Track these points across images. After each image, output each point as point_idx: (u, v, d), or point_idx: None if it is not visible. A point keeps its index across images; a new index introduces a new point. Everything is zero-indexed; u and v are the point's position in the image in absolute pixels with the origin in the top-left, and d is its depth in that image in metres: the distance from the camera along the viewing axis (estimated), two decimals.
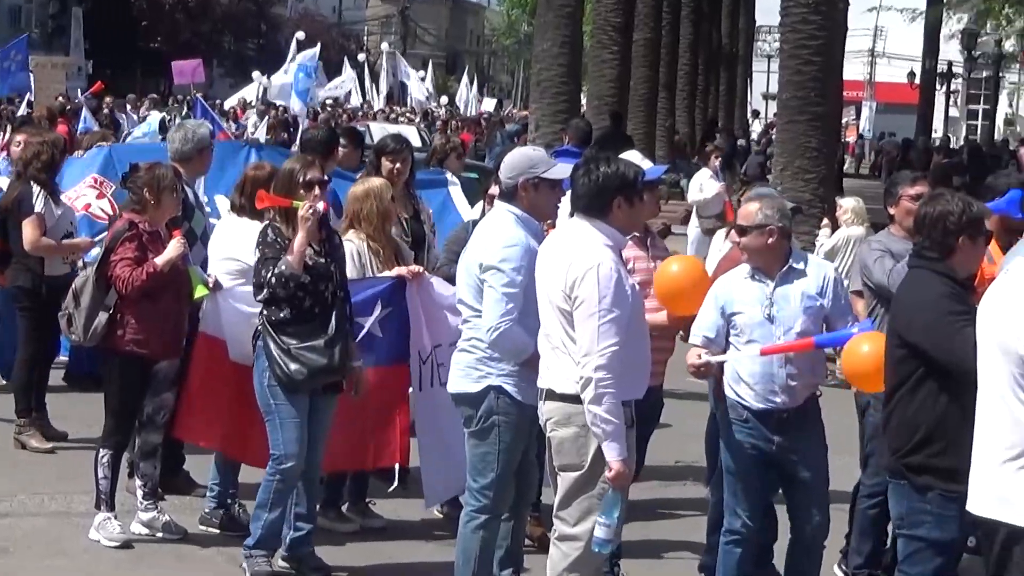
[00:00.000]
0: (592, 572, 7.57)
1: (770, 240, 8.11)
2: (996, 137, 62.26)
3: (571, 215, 7.73)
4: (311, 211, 8.71)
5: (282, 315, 8.80)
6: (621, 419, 7.27)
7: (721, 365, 8.20)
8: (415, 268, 9.75)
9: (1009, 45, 53.20)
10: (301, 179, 8.90)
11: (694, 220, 21.87)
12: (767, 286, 8.14)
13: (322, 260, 8.86)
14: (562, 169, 8.14)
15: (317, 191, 8.87)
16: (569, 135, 16.97)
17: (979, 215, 7.33)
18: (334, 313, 8.85)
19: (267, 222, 8.97)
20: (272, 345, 8.80)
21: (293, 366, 8.75)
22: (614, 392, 7.21)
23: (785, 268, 8.16)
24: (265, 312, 8.88)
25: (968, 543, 9.47)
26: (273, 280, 8.70)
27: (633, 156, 8.58)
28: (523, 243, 7.96)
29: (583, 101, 32.20)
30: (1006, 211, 9.08)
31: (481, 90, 73.59)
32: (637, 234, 8.77)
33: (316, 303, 8.83)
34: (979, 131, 68.26)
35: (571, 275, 7.32)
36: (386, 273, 9.65)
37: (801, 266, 8.22)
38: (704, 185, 21.75)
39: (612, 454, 7.26)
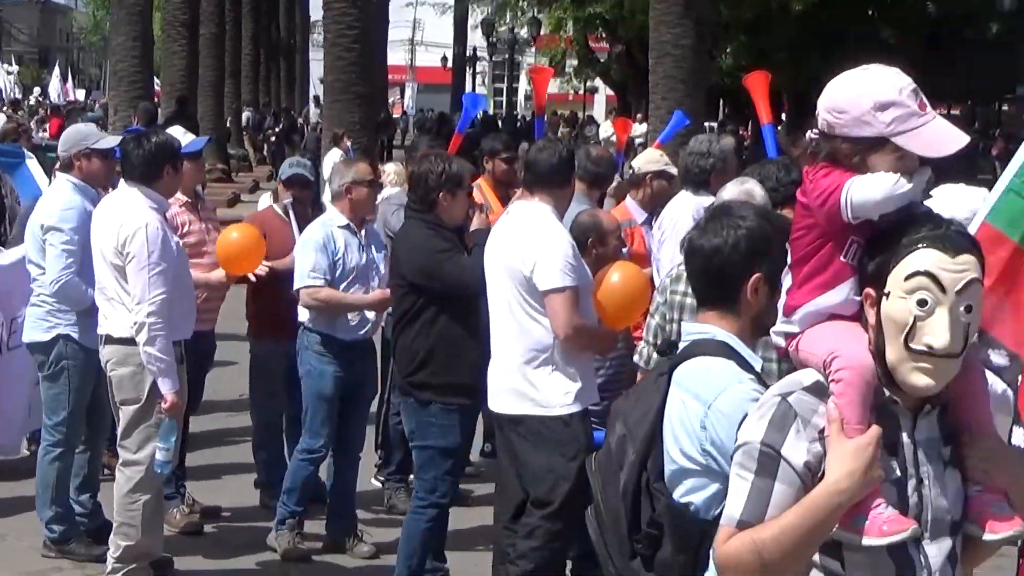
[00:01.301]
0: (154, 491, 7.50)
1: (376, 195, 8.48)
2: (517, 111, 63.83)
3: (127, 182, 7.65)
4: None
5: None
6: (172, 356, 7.25)
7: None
8: None
9: (524, 32, 54.44)
10: None
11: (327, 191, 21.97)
12: (359, 236, 8.22)
13: None
14: (109, 140, 8.12)
15: None
16: (137, 116, 16.82)
17: (457, 173, 7.49)
18: None
19: None
20: None
21: None
22: (164, 334, 7.19)
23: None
24: None
25: (485, 448, 9.82)
26: None
27: (176, 131, 8.52)
28: (79, 207, 7.87)
29: (157, 88, 31.69)
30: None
31: (70, 81, 71.25)
32: (189, 200, 8.74)
33: None
34: (504, 106, 69.84)
35: (122, 234, 7.24)
36: None
37: None
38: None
39: (166, 387, 7.24)
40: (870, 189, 3.05)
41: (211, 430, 10.65)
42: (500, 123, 43.65)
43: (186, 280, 7.58)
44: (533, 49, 61.96)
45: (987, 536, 3.09)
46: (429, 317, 7.31)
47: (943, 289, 2.96)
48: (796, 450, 3.04)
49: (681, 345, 4.01)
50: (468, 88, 66.98)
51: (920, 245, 2.98)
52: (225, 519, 9.07)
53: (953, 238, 3.00)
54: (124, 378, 7.39)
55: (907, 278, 2.97)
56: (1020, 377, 4.10)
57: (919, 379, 2.99)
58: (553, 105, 70.38)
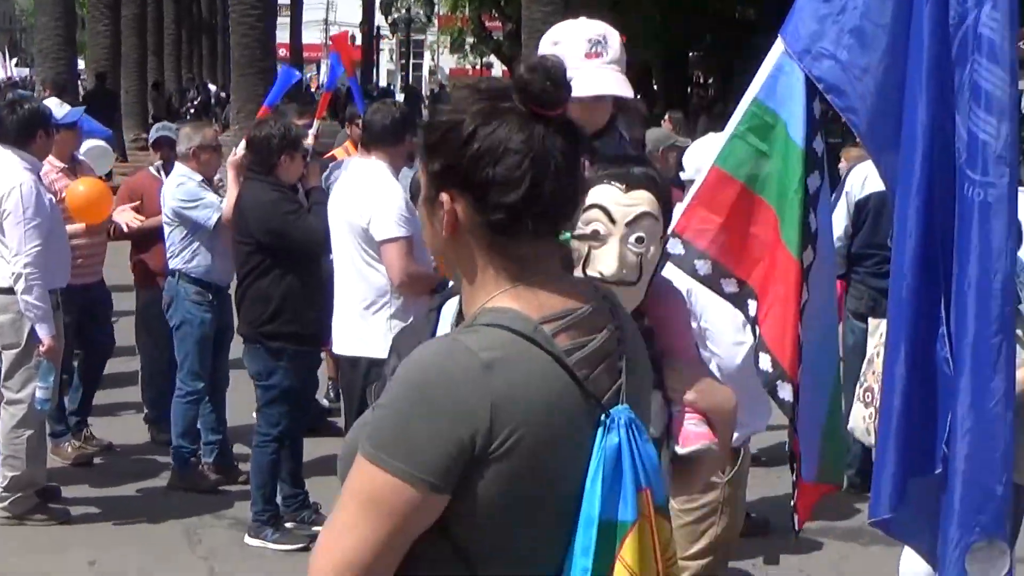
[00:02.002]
0: (37, 426, 7.48)
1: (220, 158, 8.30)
2: (424, 84, 63.69)
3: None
4: None
5: None
6: (48, 304, 7.20)
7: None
8: None
9: (423, 14, 54.27)
10: None
11: None
12: (218, 196, 8.12)
13: None
14: None
15: None
16: (48, 88, 16.75)
17: (296, 136, 7.44)
18: None
19: None
20: None
21: None
22: (41, 283, 7.14)
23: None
24: None
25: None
26: None
27: (52, 103, 8.45)
28: None
29: (82, 65, 31.30)
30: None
31: (10, 60, 70.20)
32: (67, 166, 8.66)
33: None
34: (410, 80, 69.60)
35: None
36: None
37: None
38: None
39: (43, 332, 7.20)
40: None
41: (109, 373, 10.51)
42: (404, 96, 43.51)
43: (60, 234, 7.52)
44: (435, 27, 61.82)
45: (679, 449, 3.00)
46: (278, 273, 7.22)
47: (613, 220, 2.95)
48: None
49: (451, 284, 4.04)
50: (382, 65, 66.73)
51: (599, 182, 2.97)
52: (116, 453, 9.00)
53: (629, 176, 2.98)
54: (4, 325, 7.35)
55: (584, 210, 2.93)
56: (755, 303, 4.15)
57: None
58: (454, 79, 70.73)
